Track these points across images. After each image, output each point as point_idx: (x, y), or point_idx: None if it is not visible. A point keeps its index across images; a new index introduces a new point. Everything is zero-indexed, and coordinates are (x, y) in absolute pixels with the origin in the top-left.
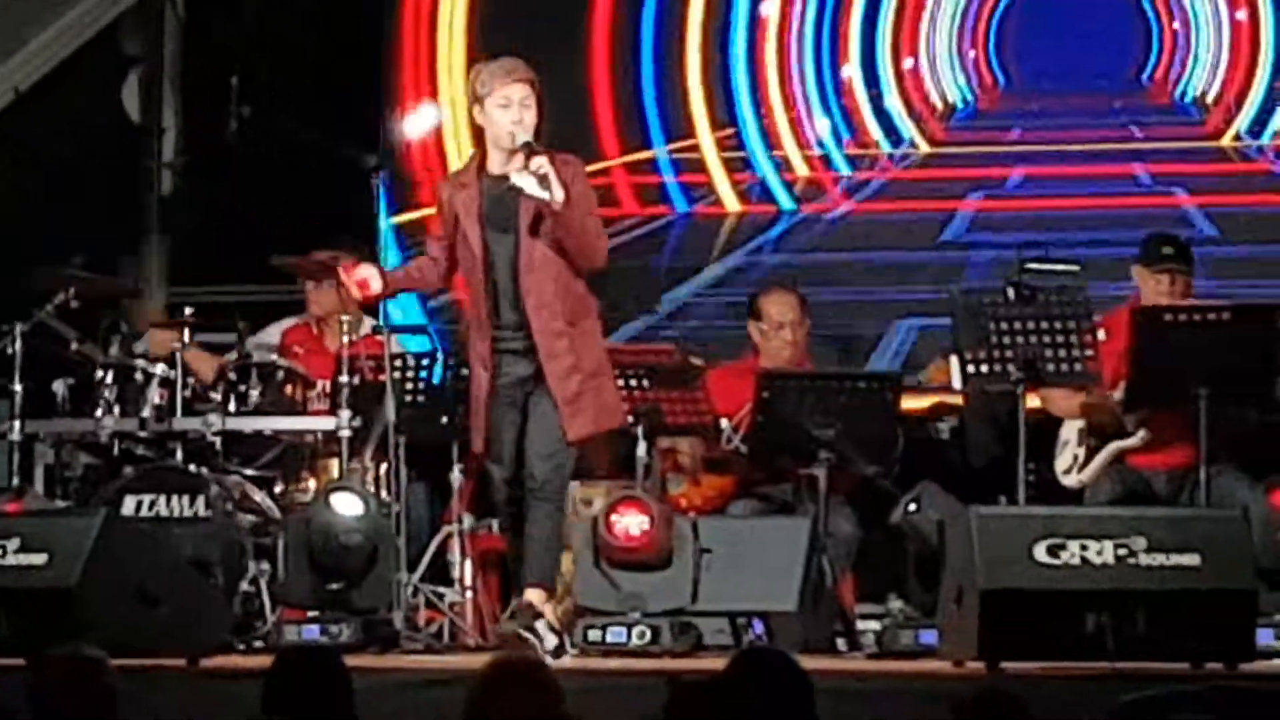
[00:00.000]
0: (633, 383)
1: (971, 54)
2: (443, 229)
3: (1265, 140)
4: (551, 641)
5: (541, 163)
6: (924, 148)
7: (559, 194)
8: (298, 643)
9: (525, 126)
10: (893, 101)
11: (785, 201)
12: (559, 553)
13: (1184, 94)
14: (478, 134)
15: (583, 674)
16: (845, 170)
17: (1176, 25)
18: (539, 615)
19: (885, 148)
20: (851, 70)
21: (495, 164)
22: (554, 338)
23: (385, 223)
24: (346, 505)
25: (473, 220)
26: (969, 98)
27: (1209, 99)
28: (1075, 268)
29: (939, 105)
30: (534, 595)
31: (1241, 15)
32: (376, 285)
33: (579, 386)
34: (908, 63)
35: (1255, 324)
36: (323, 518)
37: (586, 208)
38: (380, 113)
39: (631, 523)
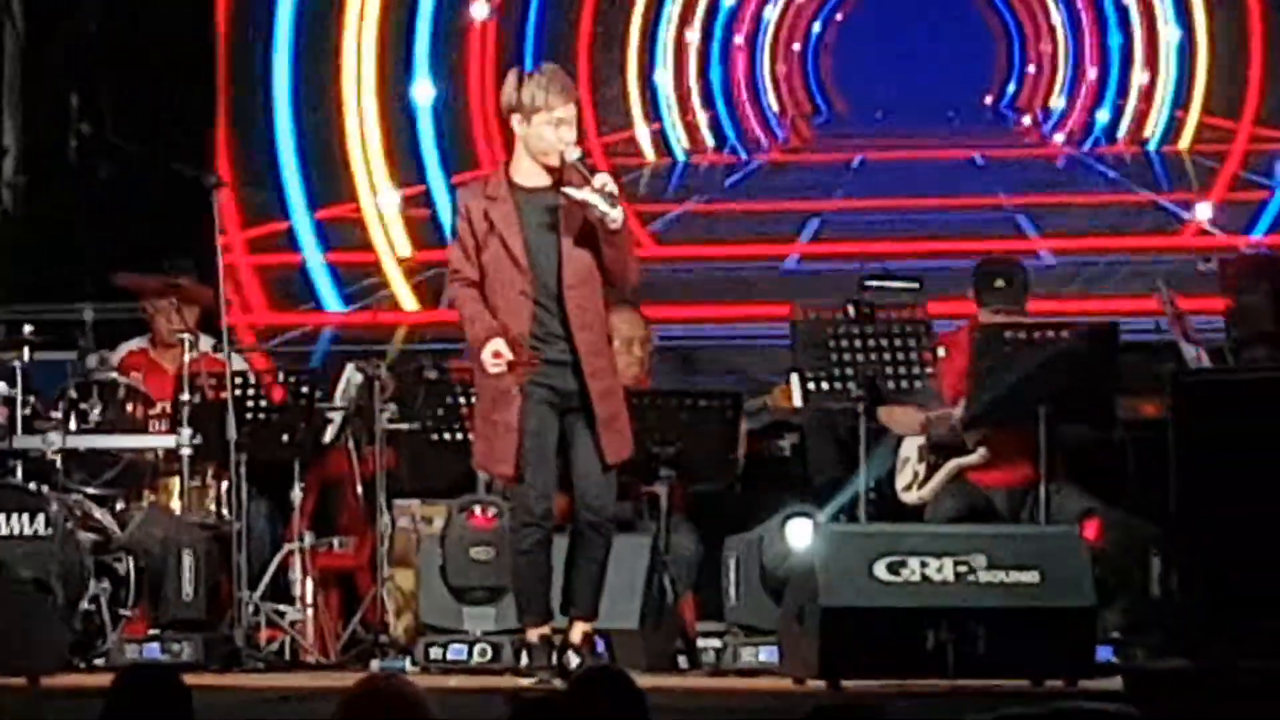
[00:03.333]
0: None
1: (786, 81)
2: (469, 239)
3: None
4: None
5: (607, 180)
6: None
7: (620, 213)
8: (138, 661)
9: (573, 144)
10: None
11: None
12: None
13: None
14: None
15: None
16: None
17: (1044, 47)
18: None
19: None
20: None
21: (525, 176)
22: (596, 355)
23: None
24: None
25: (515, 233)
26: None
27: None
28: (915, 285)
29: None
30: (582, 629)
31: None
32: (508, 351)
33: (616, 408)
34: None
35: (1095, 342)
36: None
37: (630, 227)
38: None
39: None
